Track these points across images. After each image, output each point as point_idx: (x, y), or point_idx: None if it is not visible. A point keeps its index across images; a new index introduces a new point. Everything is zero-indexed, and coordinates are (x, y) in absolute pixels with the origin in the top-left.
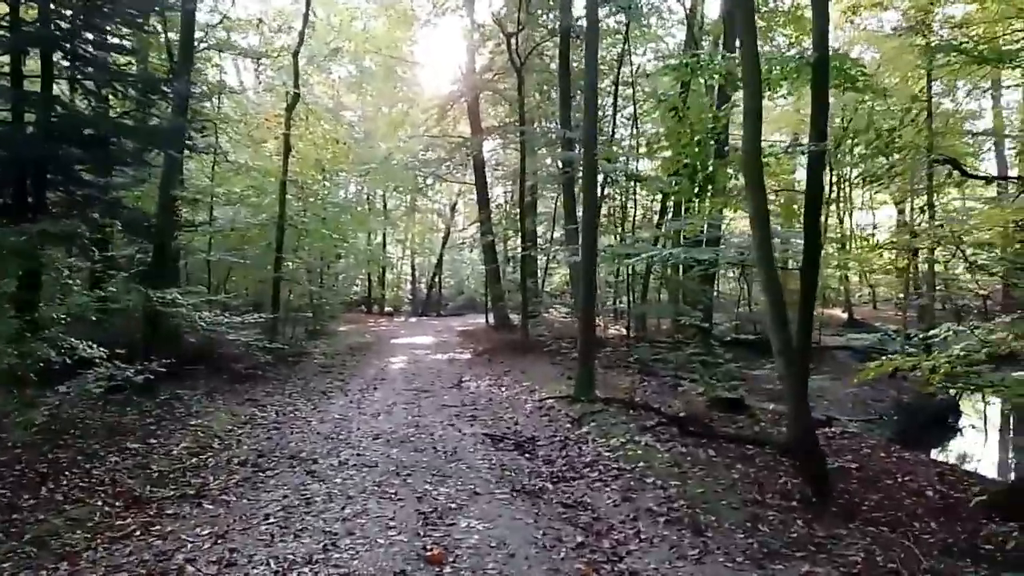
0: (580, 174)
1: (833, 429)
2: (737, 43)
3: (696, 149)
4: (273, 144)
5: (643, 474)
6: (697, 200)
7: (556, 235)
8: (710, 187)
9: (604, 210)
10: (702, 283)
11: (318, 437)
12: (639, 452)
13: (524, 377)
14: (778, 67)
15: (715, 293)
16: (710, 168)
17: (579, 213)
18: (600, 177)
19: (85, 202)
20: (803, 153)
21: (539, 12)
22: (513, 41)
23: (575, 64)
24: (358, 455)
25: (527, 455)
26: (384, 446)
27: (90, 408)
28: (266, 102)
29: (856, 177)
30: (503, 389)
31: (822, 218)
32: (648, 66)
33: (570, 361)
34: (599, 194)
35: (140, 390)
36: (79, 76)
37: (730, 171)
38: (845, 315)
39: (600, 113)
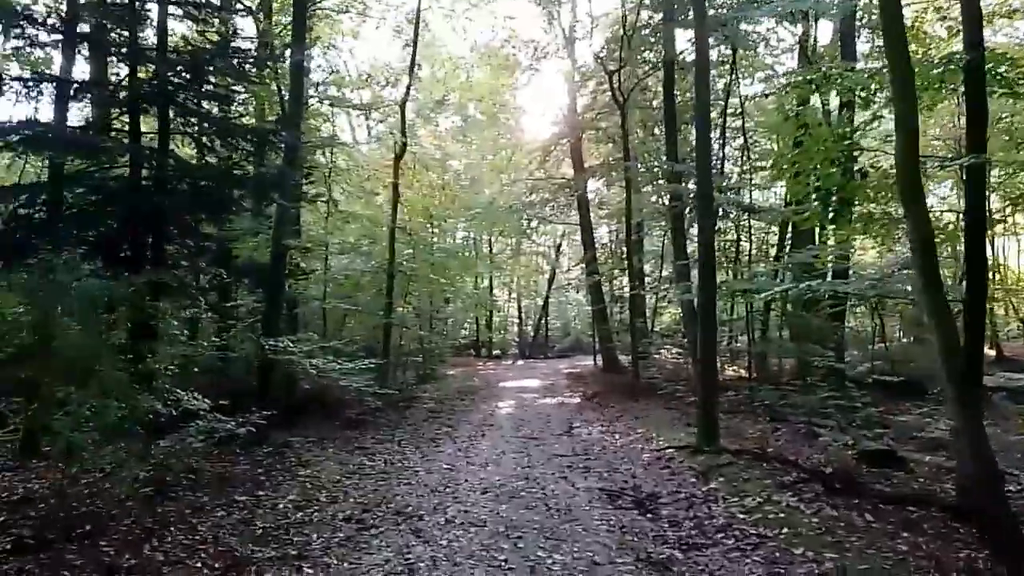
0: (690, 208)
1: (1011, 487)
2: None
3: (831, 170)
4: (384, 194)
5: (789, 543)
6: (831, 227)
7: (663, 273)
8: (847, 211)
9: (716, 244)
10: (831, 320)
11: (425, 489)
12: (780, 515)
13: (638, 423)
14: (919, 78)
15: (845, 330)
16: (844, 189)
17: (692, 247)
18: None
19: (198, 252)
20: (959, 167)
21: (641, 48)
22: (615, 78)
23: (679, 97)
24: (465, 511)
25: (649, 515)
26: (493, 501)
27: (204, 457)
28: (376, 154)
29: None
30: (616, 436)
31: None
32: (758, 97)
33: (686, 406)
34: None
35: (252, 439)
36: (190, 130)
37: (869, 192)
38: (992, 352)
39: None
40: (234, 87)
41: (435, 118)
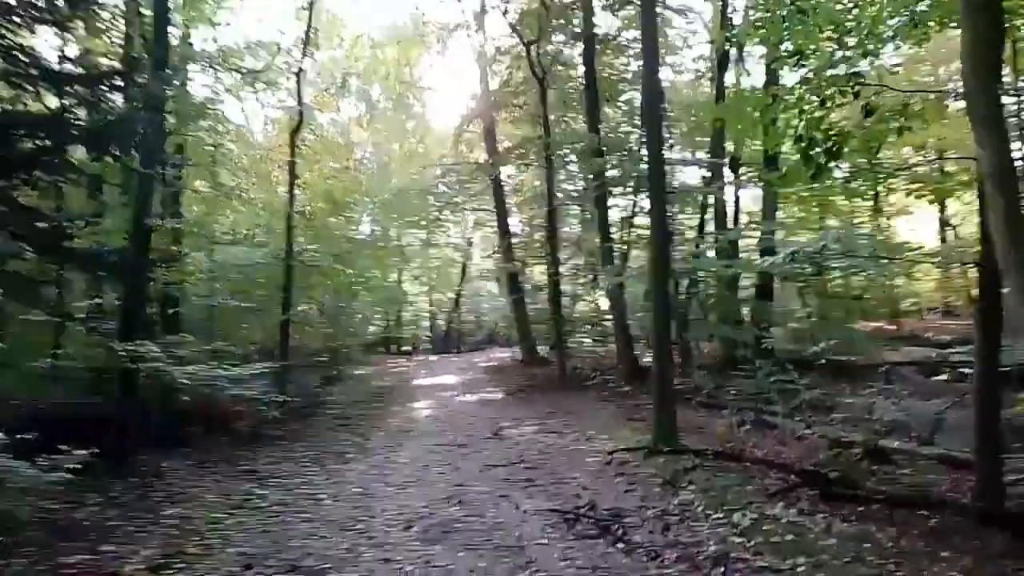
0: (613, 187)
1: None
2: None
3: (820, 111)
4: (279, 175)
5: None
6: (811, 185)
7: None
8: (833, 162)
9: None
10: (759, 298)
11: (330, 527)
12: (787, 535)
13: (574, 420)
14: None
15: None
16: (838, 136)
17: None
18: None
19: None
20: None
21: (560, 21)
22: (533, 50)
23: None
24: (385, 560)
25: (621, 544)
26: (421, 541)
27: (44, 499)
28: (272, 139)
29: None
30: (554, 437)
31: None
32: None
33: (622, 398)
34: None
35: (107, 470)
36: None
37: (876, 131)
38: (892, 327)
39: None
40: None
41: (336, 99)
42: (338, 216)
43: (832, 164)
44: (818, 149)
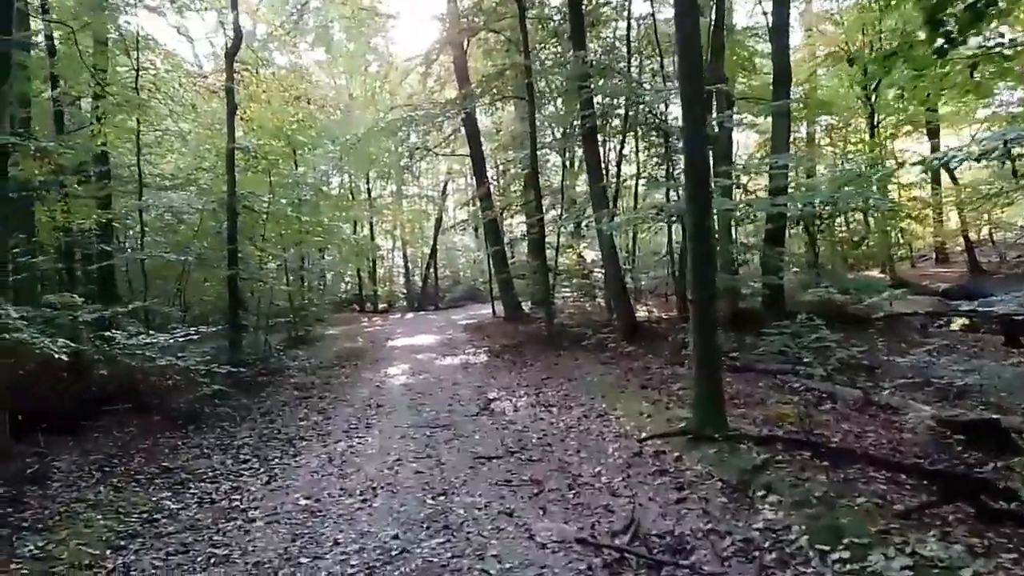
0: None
1: None
2: None
3: None
4: (218, 106)
5: None
6: (938, 59)
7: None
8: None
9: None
10: (770, 243)
11: (257, 573)
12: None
13: (575, 389)
14: None
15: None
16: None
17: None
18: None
19: None
20: None
21: None
22: None
23: None
24: None
25: None
26: None
27: None
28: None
29: None
30: (557, 414)
31: None
32: None
33: (626, 360)
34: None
35: None
36: None
37: None
38: (884, 276)
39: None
40: None
41: (292, 37)
42: (294, 160)
43: (967, 35)
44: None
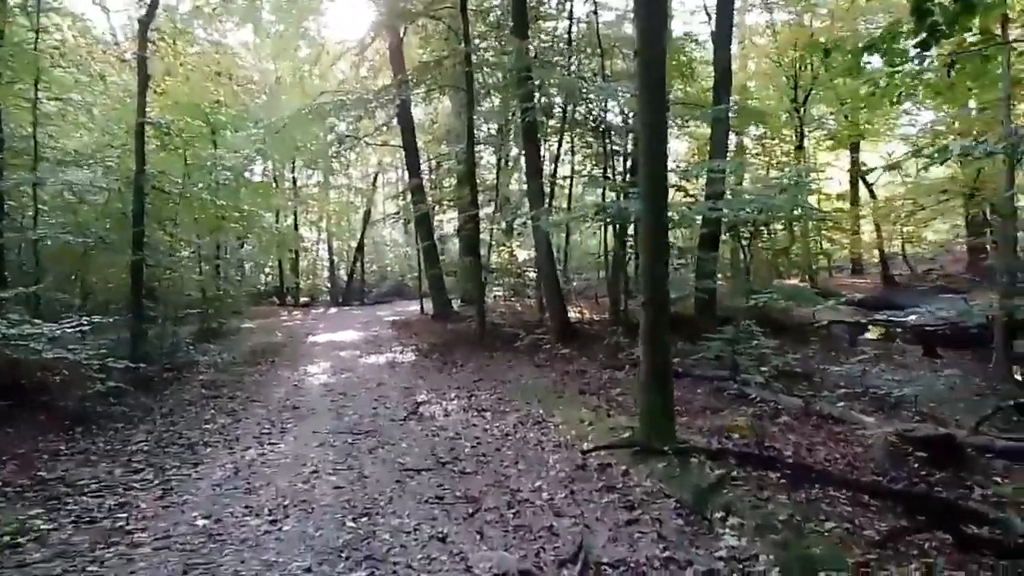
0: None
1: None
2: None
3: None
4: (129, 78)
5: None
6: (922, 50)
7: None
8: None
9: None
10: (704, 248)
11: None
12: None
13: (509, 392)
14: None
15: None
16: None
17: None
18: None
19: None
20: None
21: None
22: None
23: None
24: None
25: None
26: None
27: None
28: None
29: None
30: (491, 419)
31: None
32: None
33: (561, 363)
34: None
35: None
36: None
37: None
38: (805, 284)
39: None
40: None
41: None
42: (214, 141)
43: (955, 29)
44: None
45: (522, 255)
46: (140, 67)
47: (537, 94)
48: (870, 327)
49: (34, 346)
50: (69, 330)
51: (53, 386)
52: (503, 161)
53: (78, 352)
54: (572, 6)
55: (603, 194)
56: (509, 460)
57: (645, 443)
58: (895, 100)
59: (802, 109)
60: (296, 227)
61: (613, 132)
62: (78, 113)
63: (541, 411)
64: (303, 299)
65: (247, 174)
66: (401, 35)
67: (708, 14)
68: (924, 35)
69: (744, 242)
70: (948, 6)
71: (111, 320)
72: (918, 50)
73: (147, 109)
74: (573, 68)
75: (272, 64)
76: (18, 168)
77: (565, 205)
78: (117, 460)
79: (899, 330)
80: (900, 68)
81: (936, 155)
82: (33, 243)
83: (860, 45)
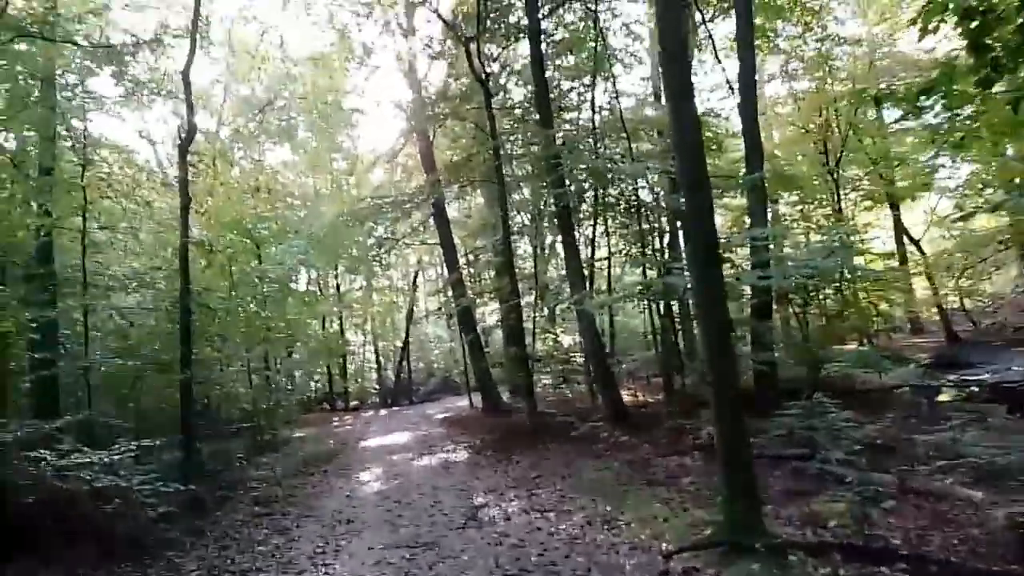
0: (579, 201)
1: None
2: None
3: None
4: (172, 203)
5: None
6: (984, 89)
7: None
8: None
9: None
10: (757, 317)
11: None
12: None
13: (571, 489)
14: None
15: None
16: None
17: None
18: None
19: None
20: None
21: (497, 13)
22: (473, 47)
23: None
24: None
25: None
26: None
27: None
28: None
29: None
30: (556, 520)
31: None
32: None
33: (621, 452)
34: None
35: None
36: None
37: None
38: (863, 348)
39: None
40: None
41: (254, 137)
42: (258, 255)
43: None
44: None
45: (567, 340)
46: (182, 190)
47: (567, 180)
48: (943, 389)
49: (85, 475)
50: (119, 456)
51: (104, 515)
52: (539, 249)
53: (129, 478)
54: (593, 95)
55: (643, 272)
56: (581, 568)
57: (732, 540)
58: (958, 144)
59: (836, 172)
60: (342, 332)
61: (647, 210)
62: (125, 240)
63: (608, 508)
64: (353, 403)
65: (292, 284)
66: (431, 138)
67: (731, 87)
68: (985, 71)
69: (797, 309)
70: (1009, 39)
71: (162, 442)
72: (978, 88)
73: (191, 229)
74: (600, 152)
75: (310, 178)
76: (68, 297)
77: (605, 287)
78: None
79: (975, 390)
80: (958, 111)
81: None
82: (84, 370)
83: (915, 89)
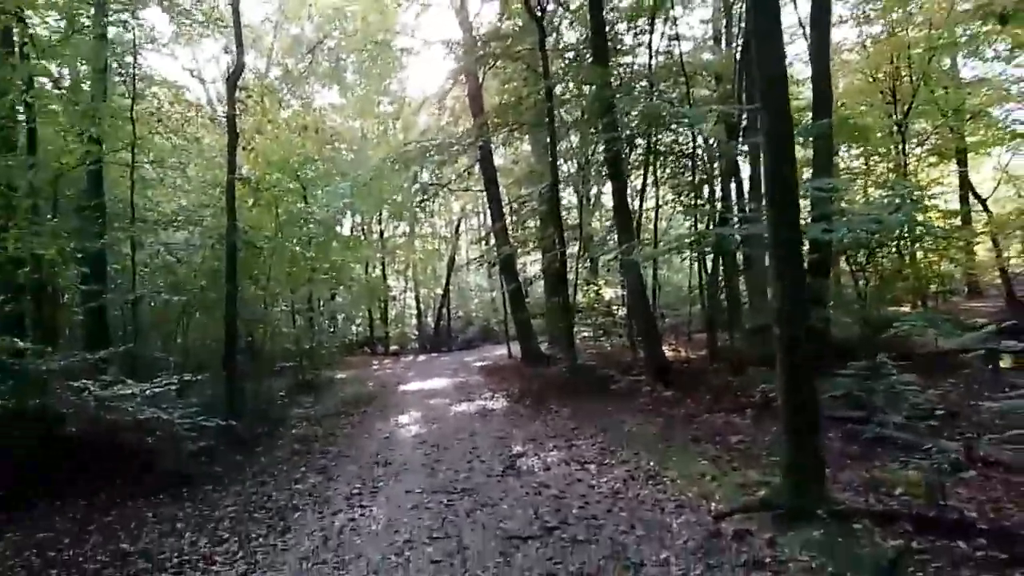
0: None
1: None
2: None
3: None
4: (218, 141)
5: None
6: None
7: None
8: None
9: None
10: (815, 275)
11: None
12: None
13: (612, 441)
14: None
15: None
16: None
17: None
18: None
19: None
20: None
21: None
22: None
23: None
24: None
25: None
26: None
27: None
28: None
29: None
30: (597, 473)
31: None
32: None
33: (665, 407)
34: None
35: None
36: None
37: None
38: (921, 310)
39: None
40: None
41: (304, 78)
42: (304, 196)
43: None
44: None
45: (608, 293)
46: (230, 126)
47: (619, 126)
48: (1005, 355)
49: (127, 407)
50: (161, 389)
51: (145, 447)
52: (584, 199)
53: (171, 412)
54: (651, 39)
55: (695, 223)
56: (624, 524)
57: (790, 504)
58: None
59: (904, 124)
60: (384, 277)
61: (701, 160)
62: (175, 177)
63: (652, 463)
64: (393, 347)
65: (337, 228)
66: (480, 80)
67: (803, 28)
68: None
69: (855, 267)
70: None
71: (205, 378)
72: None
73: (238, 167)
74: (656, 96)
75: (357, 122)
76: (118, 232)
77: (654, 239)
78: (203, 529)
79: None
80: None
81: None
82: (132, 304)
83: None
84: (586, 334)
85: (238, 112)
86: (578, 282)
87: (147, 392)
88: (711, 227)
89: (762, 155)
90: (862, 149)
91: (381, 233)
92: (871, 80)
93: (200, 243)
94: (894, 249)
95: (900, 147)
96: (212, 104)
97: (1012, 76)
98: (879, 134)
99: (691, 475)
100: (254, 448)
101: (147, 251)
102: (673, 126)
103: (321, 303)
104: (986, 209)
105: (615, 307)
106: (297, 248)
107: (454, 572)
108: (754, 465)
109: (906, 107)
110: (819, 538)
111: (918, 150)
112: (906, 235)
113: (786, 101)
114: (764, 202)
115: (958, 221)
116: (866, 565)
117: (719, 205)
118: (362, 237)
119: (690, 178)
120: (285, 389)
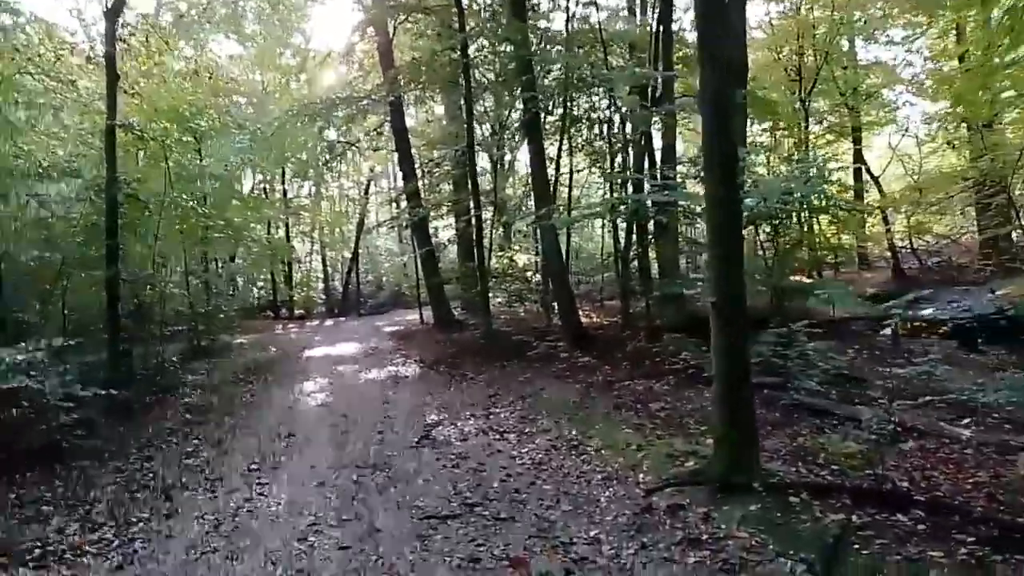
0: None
1: None
2: None
3: None
4: (98, 81)
5: None
6: None
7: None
8: None
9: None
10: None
11: None
12: None
13: (532, 409)
14: None
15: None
16: None
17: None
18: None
19: None
20: None
21: None
22: None
23: None
24: None
25: None
26: None
27: None
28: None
29: None
30: (517, 443)
31: None
32: None
33: (583, 373)
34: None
35: None
36: None
37: None
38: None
39: None
40: None
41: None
42: (198, 150)
43: None
44: None
45: (522, 260)
46: (108, 64)
47: (538, 88)
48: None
49: None
50: (27, 354)
51: (12, 420)
52: (498, 164)
53: (41, 380)
54: (568, 2)
55: (610, 189)
56: (550, 499)
57: (724, 477)
58: None
59: (807, 101)
60: (288, 239)
61: (616, 126)
62: (47, 125)
63: (575, 432)
64: (298, 312)
65: (236, 186)
66: (391, 34)
67: None
68: None
69: (763, 236)
70: None
71: (85, 343)
72: None
73: (121, 112)
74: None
75: (257, 74)
76: None
77: (567, 204)
78: (75, 512)
79: (924, 324)
80: None
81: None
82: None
83: None
84: (500, 300)
85: (118, 51)
86: (491, 247)
87: (14, 359)
88: (626, 194)
89: (702, 117)
90: (771, 124)
91: (285, 192)
92: (776, 57)
93: (78, 195)
94: (795, 220)
95: (803, 124)
96: (93, 47)
97: (904, 60)
98: (787, 110)
99: (616, 444)
100: (142, 419)
101: (14, 204)
102: (590, 91)
103: (220, 265)
104: (878, 186)
105: (529, 272)
106: (190, 204)
107: (365, 559)
108: (679, 433)
109: (809, 86)
110: (756, 512)
111: (816, 128)
112: (807, 207)
113: (728, 60)
114: (703, 164)
115: (851, 196)
116: (809, 541)
117: (632, 172)
118: (264, 196)
119: (605, 145)
120: (178, 355)
